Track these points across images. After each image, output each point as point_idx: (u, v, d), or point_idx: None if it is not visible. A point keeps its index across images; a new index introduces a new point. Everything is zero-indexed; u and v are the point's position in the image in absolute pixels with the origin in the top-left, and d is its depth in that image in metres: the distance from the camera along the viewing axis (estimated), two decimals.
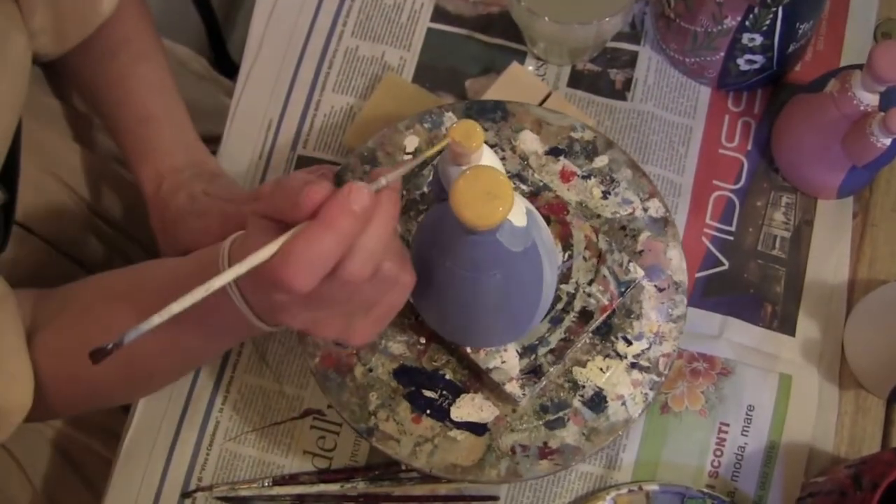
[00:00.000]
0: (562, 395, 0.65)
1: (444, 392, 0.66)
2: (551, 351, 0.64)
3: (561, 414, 0.65)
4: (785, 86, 0.82)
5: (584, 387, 0.65)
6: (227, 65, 1.49)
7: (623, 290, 0.65)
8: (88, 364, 0.64)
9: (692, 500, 0.71)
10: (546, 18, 0.74)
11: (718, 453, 0.73)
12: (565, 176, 0.71)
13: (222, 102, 1.01)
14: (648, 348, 0.66)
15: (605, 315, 0.65)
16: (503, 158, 0.70)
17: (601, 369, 0.65)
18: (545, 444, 0.64)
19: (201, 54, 1.14)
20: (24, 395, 0.63)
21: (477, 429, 0.65)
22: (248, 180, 0.82)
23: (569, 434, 0.64)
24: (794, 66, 0.82)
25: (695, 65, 0.80)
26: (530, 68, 0.83)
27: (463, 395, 0.66)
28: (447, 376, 0.66)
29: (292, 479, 0.74)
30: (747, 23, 0.73)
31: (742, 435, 0.74)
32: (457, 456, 0.64)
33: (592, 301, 0.65)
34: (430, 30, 0.86)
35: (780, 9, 0.71)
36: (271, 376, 0.76)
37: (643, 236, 0.69)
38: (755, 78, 0.80)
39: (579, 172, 0.71)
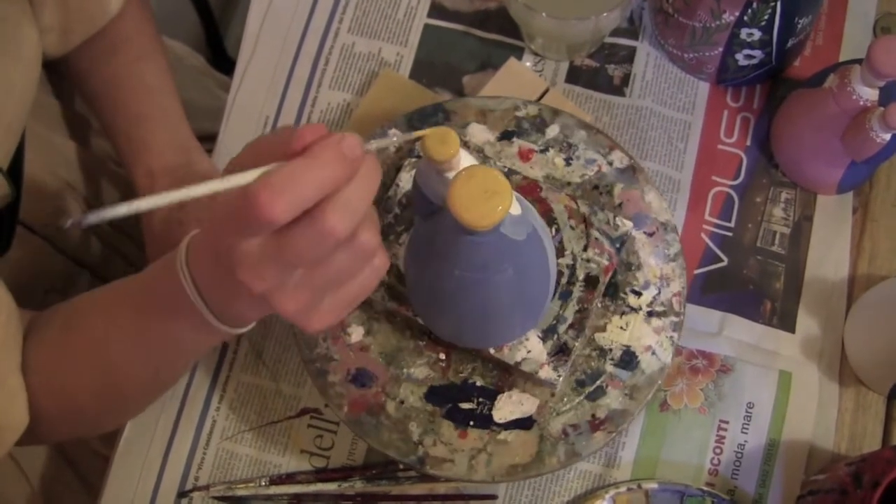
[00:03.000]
0: (593, 364, 0.65)
1: (481, 399, 0.66)
2: (571, 326, 0.64)
3: (598, 383, 0.65)
4: (784, 81, 0.82)
5: (611, 350, 0.66)
6: (224, 62, 1.49)
7: (618, 246, 0.66)
8: (72, 377, 0.63)
9: (692, 499, 0.71)
10: (543, 14, 0.74)
11: (718, 451, 0.73)
12: (524, 155, 0.71)
13: (220, 99, 1.01)
14: (658, 294, 0.67)
15: (609, 276, 0.66)
16: None
17: (621, 328, 0.66)
18: (593, 416, 0.65)
19: (198, 51, 1.14)
20: (24, 411, 0.63)
21: (524, 424, 0.65)
22: None
23: (612, 399, 0.65)
24: (793, 61, 0.82)
25: (693, 60, 0.80)
26: (528, 64, 0.83)
27: (499, 396, 0.66)
28: (478, 383, 0.66)
29: (289, 478, 0.73)
30: (746, 18, 0.72)
31: (742, 433, 0.73)
32: (513, 456, 0.64)
33: (593, 266, 0.66)
34: (427, 26, 0.85)
35: (779, 3, 0.71)
36: (268, 375, 0.76)
37: (617, 189, 0.70)
38: (754, 73, 0.79)
39: (536, 148, 0.71)
